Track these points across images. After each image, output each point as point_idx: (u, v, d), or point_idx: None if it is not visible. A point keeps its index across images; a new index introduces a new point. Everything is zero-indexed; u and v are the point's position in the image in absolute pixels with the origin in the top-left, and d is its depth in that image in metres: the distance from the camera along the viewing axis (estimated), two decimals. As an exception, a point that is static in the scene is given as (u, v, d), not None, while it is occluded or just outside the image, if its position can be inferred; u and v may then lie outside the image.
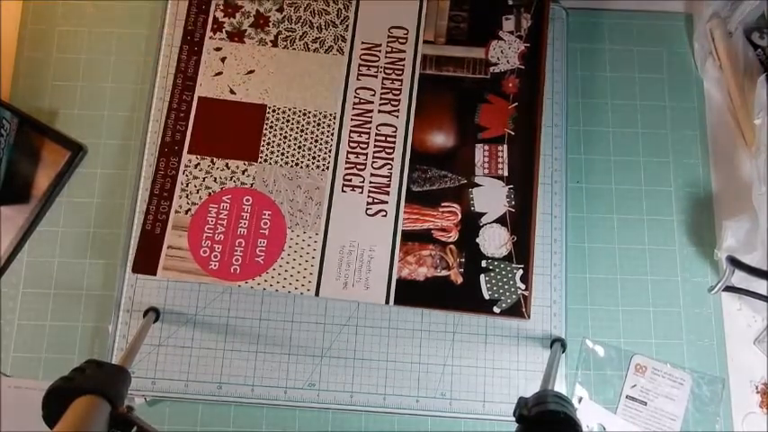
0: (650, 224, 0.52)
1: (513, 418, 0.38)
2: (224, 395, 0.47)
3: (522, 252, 0.47)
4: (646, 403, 0.48)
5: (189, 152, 0.49)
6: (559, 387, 0.47)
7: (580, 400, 0.48)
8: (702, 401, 0.48)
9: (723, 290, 0.47)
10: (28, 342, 0.49)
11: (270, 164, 0.49)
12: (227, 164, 0.49)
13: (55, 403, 0.35)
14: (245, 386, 0.47)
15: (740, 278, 0.47)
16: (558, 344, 0.47)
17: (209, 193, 0.48)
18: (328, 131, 0.50)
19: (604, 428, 0.48)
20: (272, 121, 0.50)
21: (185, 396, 0.47)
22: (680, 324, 0.50)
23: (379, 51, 0.51)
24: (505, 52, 0.51)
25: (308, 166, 0.49)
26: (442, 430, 0.48)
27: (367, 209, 0.48)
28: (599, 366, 0.49)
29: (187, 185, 0.48)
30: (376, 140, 0.50)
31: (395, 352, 0.48)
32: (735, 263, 0.45)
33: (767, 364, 0.49)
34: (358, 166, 0.49)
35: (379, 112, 0.50)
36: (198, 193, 0.48)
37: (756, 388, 0.49)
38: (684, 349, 0.49)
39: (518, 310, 0.46)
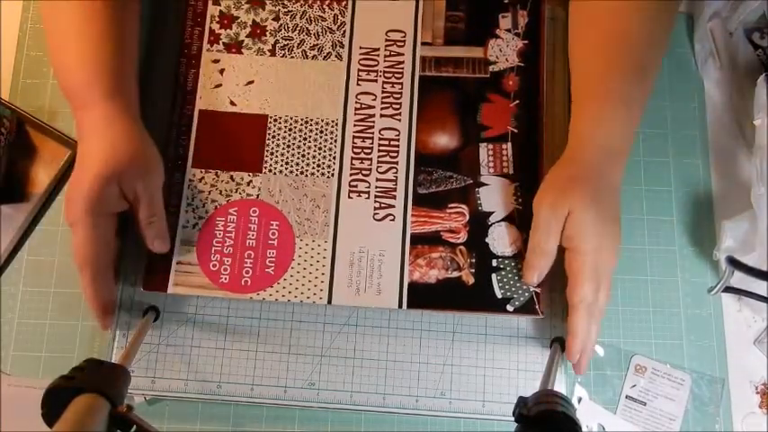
0: (650, 224, 0.52)
1: (513, 418, 0.38)
2: (224, 394, 0.47)
3: (531, 250, 0.47)
4: (645, 403, 0.48)
5: (193, 166, 0.49)
6: (559, 387, 0.47)
7: (580, 400, 0.48)
8: (702, 402, 0.48)
9: (723, 290, 0.47)
10: (28, 341, 0.49)
11: (274, 174, 0.49)
12: (231, 176, 0.49)
13: (54, 402, 0.35)
14: (244, 385, 0.47)
15: (740, 279, 0.47)
16: (557, 344, 0.47)
17: (216, 207, 0.48)
18: (331, 138, 0.50)
19: (604, 428, 0.48)
20: (274, 131, 0.50)
21: (185, 395, 0.47)
22: (680, 324, 0.50)
23: (378, 55, 0.51)
24: (504, 50, 0.51)
25: (312, 174, 0.49)
26: (442, 430, 0.48)
27: (374, 214, 0.48)
28: (599, 366, 0.49)
29: (193, 200, 0.48)
30: (379, 145, 0.50)
31: (395, 351, 0.48)
32: (734, 263, 0.45)
33: (767, 365, 0.49)
34: (363, 172, 0.49)
35: (381, 116, 0.50)
36: (204, 206, 0.48)
37: (756, 388, 0.49)
38: (684, 349, 0.49)
39: (531, 307, 0.46)
